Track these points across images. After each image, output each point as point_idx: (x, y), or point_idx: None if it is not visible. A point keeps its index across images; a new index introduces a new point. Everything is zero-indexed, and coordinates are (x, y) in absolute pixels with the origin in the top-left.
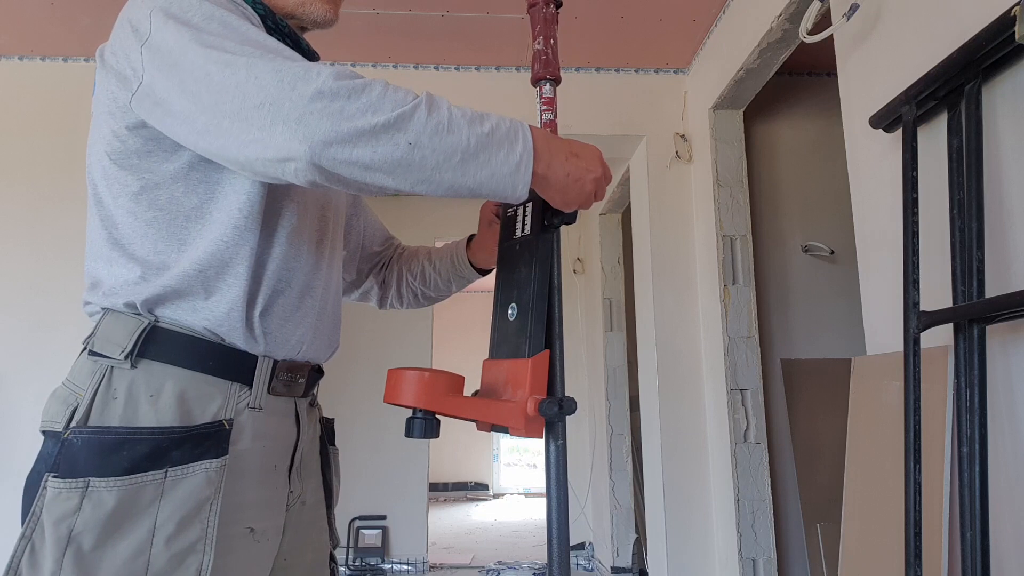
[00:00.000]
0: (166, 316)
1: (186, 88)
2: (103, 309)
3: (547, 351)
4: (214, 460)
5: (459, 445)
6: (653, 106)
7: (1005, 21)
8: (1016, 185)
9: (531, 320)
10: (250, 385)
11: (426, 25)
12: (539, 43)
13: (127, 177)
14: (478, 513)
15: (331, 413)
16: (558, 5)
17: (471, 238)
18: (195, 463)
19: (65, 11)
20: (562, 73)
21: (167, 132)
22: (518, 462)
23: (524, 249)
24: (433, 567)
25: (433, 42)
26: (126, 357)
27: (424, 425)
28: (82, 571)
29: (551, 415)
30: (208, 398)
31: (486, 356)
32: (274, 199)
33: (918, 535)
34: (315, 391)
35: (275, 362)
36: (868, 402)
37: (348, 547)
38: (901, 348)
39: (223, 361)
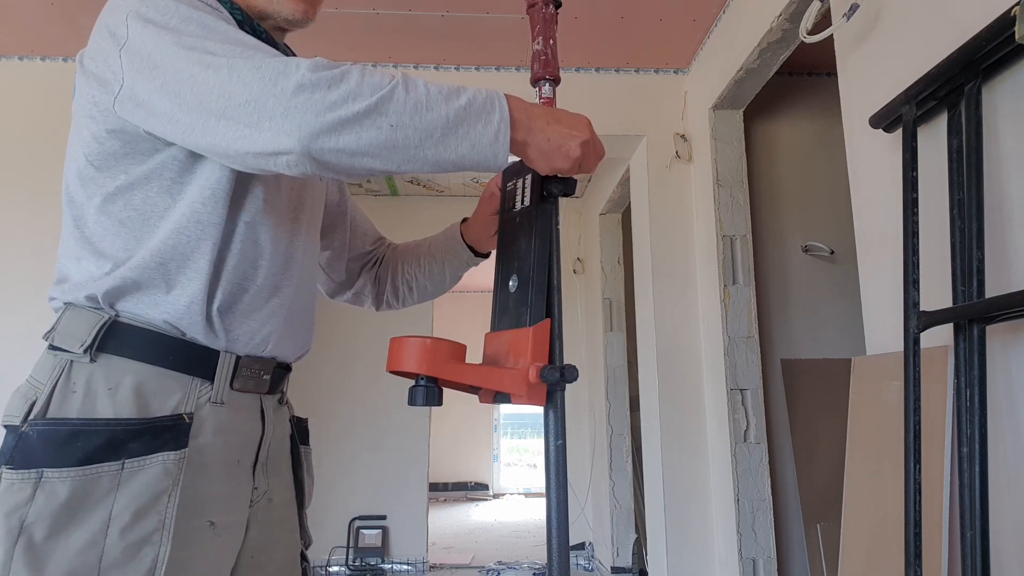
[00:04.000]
0: (127, 310)
1: (168, 89)
2: (65, 304)
3: (548, 320)
4: (172, 452)
5: (459, 445)
6: (653, 106)
7: (1005, 21)
8: (1016, 185)
9: (532, 290)
10: (212, 380)
11: (426, 25)
12: (539, 43)
13: (103, 178)
14: (478, 513)
15: (331, 413)
16: (558, 5)
17: (465, 220)
18: (152, 455)
19: (65, 11)
20: (562, 73)
21: (153, 132)
22: (518, 462)
23: (524, 220)
24: (433, 567)
25: (433, 42)
26: (85, 351)
27: (426, 392)
28: (33, 562)
29: (553, 381)
30: (168, 392)
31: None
32: (241, 196)
33: (918, 535)
34: (284, 389)
35: (238, 358)
36: (868, 402)
37: (348, 547)
38: (901, 348)
39: (183, 355)
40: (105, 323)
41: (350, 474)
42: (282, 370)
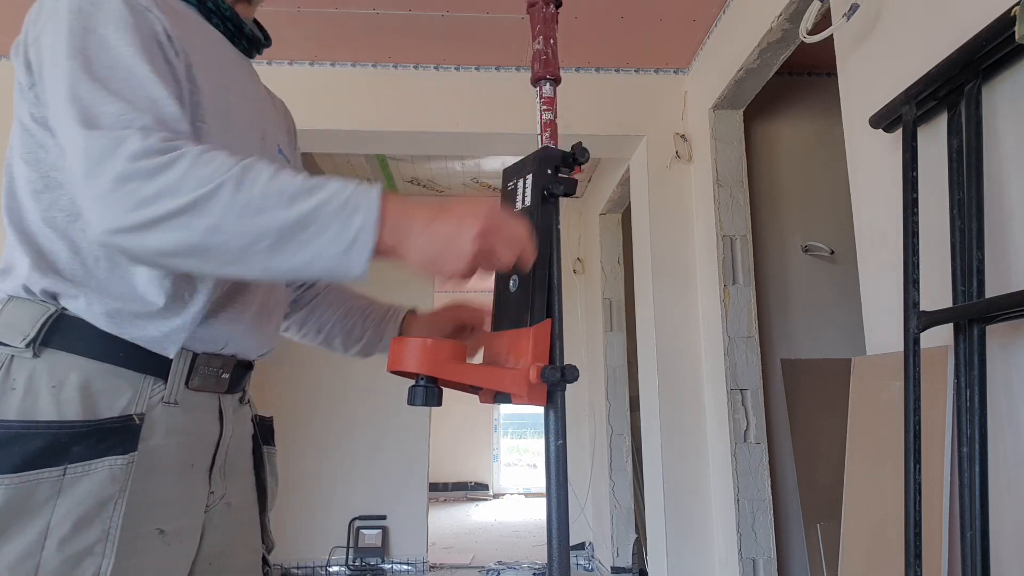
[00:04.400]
0: (72, 306)
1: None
2: (8, 296)
3: (549, 320)
4: (120, 457)
5: (459, 445)
6: (653, 106)
7: (1005, 21)
8: (1016, 185)
9: (532, 290)
10: (165, 378)
11: (426, 25)
12: (539, 43)
13: (31, 173)
14: (478, 513)
15: (331, 413)
16: (558, 5)
17: (413, 312)
18: (99, 459)
19: None
20: (562, 73)
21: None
22: (518, 462)
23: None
24: (433, 567)
25: (433, 42)
26: (28, 345)
27: (426, 393)
28: None
29: (553, 381)
30: (117, 391)
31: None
32: None
33: (918, 535)
34: (245, 387)
35: (195, 355)
36: (868, 402)
37: (348, 547)
38: (901, 348)
39: (135, 352)
40: (51, 316)
41: (350, 474)
42: (243, 368)
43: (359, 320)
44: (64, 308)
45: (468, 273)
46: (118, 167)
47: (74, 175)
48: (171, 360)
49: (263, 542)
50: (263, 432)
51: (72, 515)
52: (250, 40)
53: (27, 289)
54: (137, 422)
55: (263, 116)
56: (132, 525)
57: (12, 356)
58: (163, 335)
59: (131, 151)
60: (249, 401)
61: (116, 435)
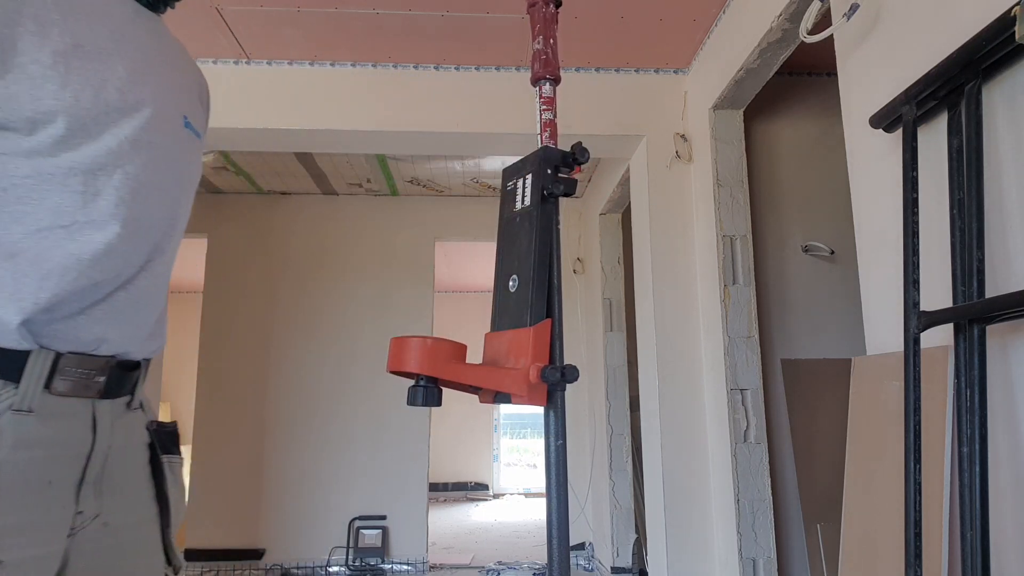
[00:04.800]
0: None
1: None
2: None
3: (549, 320)
4: None
5: (459, 445)
6: (653, 106)
7: (1005, 21)
8: (1016, 185)
9: (532, 290)
10: (17, 382)
11: (426, 25)
12: (539, 43)
13: None
14: (478, 513)
15: (331, 413)
16: (558, 5)
17: None
18: None
19: None
20: (562, 73)
21: None
22: (518, 462)
23: (524, 220)
24: (433, 567)
25: (433, 42)
26: None
27: (426, 392)
28: None
29: (554, 381)
30: None
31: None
32: (98, 173)
33: (918, 535)
34: (134, 391)
35: (57, 356)
36: (868, 402)
37: (348, 547)
38: (901, 348)
39: None
40: None
41: (350, 474)
42: (124, 370)
43: None
44: None
45: None
46: None
47: None
48: (26, 361)
49: (168, 562)
50: (162, 440)
51: None
52: None
53: None
54: None
55: (166, 84)
56: None
57: None
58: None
59: None
60: (142, 406)
61: None
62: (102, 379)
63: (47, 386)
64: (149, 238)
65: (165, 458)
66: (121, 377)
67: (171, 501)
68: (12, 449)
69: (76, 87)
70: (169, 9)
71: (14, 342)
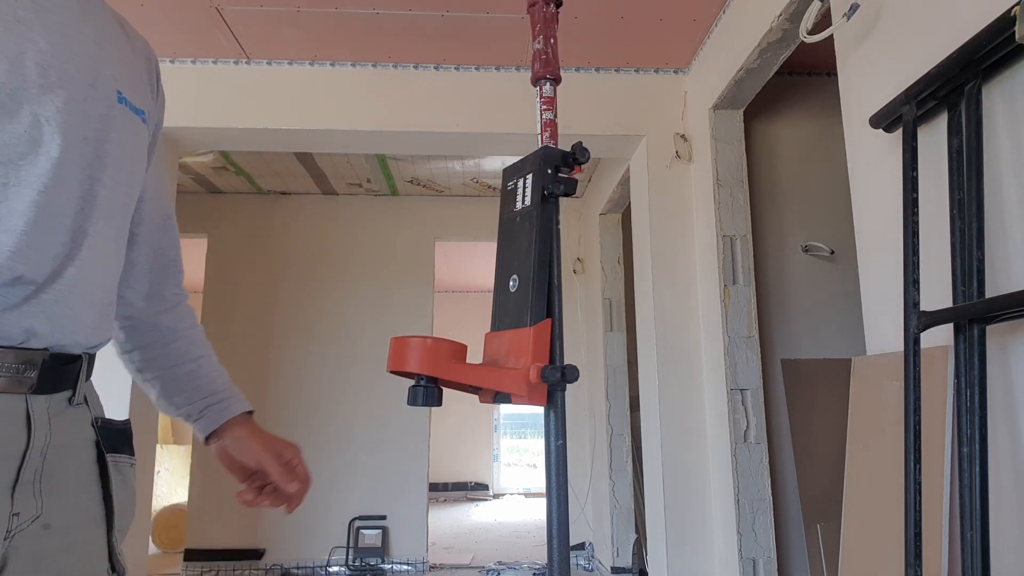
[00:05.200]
0: None
1: None
2: None
3: (549, 320)
4: None
5: (459, 445)
6: (653, 106)
7: (1005, 21)
8: (1015, 185)
9: (532, 290)
10: None
11: (426, 25)
12: (539, 43)
13: None
14: (478, 513)
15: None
16: (558, 5)
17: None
18: None
19: None
20: (562, 73)
21: None
22: (518, 462)
23: (524, 220)
24: (433, 567)
25: (433, 42)
26: None
27: (426, 392)
28: None
29: (554, 381)
30: None
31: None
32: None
33: (918, 535)
34: (76, 385)
35: None
36: (868, 402)
37: (348, 547)
38: (901, 348)
39: None
40: None
41: (350, 474)
42: (61, 363)
43: (184, 394)
44: None
45: None
46: None
47: None
48: None
49: (111, 567)
50: (109, 438)
51: None
52: None
53: None
54: None
55: (97, 57)
56: None
57: None
58: None
59: None
60: (87, 401)
61: None
62: (34, 373)
63: None
64: (63, 224)
65: (111, 457)
66: (57, 371)
67: (115, 503)
68: None
69: None
70: None
71: None
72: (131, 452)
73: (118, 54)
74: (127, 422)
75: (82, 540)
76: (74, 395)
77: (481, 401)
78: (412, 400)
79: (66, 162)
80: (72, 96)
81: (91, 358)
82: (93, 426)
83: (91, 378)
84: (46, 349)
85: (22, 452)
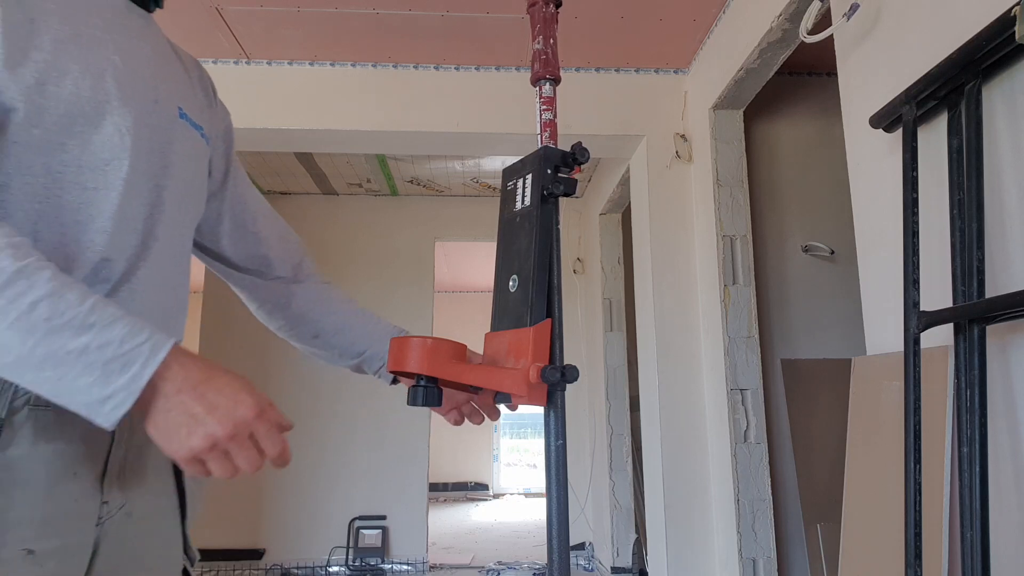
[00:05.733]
0: None
1: None
2: None
3: (548, 320)
4: None
5: (459, 445)
6: (653, 106)
7: (1005, 21)
8: (1015, 185)
9: (532, 290)
10: None
11: (426, 25)
12: (539, 43)
13: None
14: (478, 513)
15: (331, 413)
16: (558, 5)
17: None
18: None
19: None
20: (562, 73)
21: None
22: (518, 462)
23: (524, 220)
24: (433, 567)
25: (433, 42)
26: None
27: (426, 392)
28: None
29: (554, 381)
30: None
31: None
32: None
33: (918, 535)
34: None
35: None
36: (868, 402)
37: (348, 547)
38: (901, 348)
39: None
40: None
41: (350, 474)
42: None
43: (354, 340)
44: None
45: (190, 462)
46: None
47: None
48: None
49: (185, 553)
50: None
51: None
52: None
53: None
54: None
55: (158, 76)
56: None
57: None
58: None
59: None
60: None
61: None
62: None
63: None
64: (135, 227)
65: None
66: None
67: (188, 495)
68: (33, 443)
69: (76, 76)
70: (158, 9)
71: None
72: None
73: (174, 74)
74: None
75: (160, 527)
76: None
77: (479, 402)
78: (412, 400)
79: (138, 170)
80: (141, 111)
81: None
82: None
83: None
84: None
85: (108, 446)
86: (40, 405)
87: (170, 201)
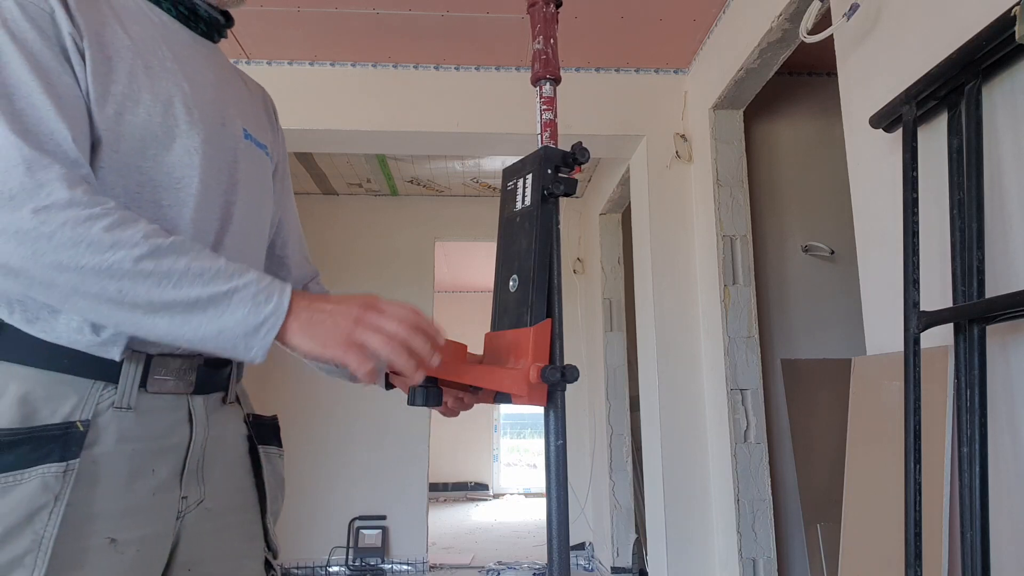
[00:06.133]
0: (9, 317)
1: None
2: None
3: (549, 320)
4: (56, 464)
5: (459, 445)
6: (653, 106)
7: (1005, 21)
8: (1016, 185)
9: (532, 290)
10: (116, 383)
11: (426, 25)
12: (539, 43)
13: None
14: (478, 513)
15: (331, 413)
16: (558, 5)
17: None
18: (31, 468)
19: None
20: (562, 73)
21: None
22: (518, 462)
23: (524, 220)
24: (433, 567)
25: (433, 42)
26: None
27: (426, 393)
28: None
29: (554, 381)
30: (60, 397)
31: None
32: (157, 164)
33: (918, 535)
34: (228, 386)
35: (148, 357)
36: (868, 402)
37: (348, 547)
38: (901, 348)
39: (80, 358)
40: None
41: (350, 474)
42: (213, 367)
43: None
44: (1, 320)
45: (350, 356)
46: (40, 201)
47: None
48: (121, 364)
49: (266, 546)
50: (261, 432)
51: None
52: (208, 22)
53: None
54: (81, 429)
55: (224, 101)
56: (73, 536)
57: None
58: (101, 341)
59: (59, 196)
60: (239, 400)
61: (54, 443)
62: (192, 377)
63: (143, 385)
64: (207, 240)
65: (262, 449)
66: (210, 374)
67: (267, 489)
68: (117, 442)
69: (148, 104)
70: (223, 39)
71: (115, 353)
72: (279, 444)
73: (238, 97)
74: (275, 418)
75: (238, 521)
76: (226, 395)
77: (481, 401)
78: (412, 400)
79: (208, 186)
80: (209, 133)
81: (239, 365)
82: (245, 422)
83: (242, 380)
84: (200, 355)
85: (187, 444)
86: (123, 408)
87: (238, 215)
